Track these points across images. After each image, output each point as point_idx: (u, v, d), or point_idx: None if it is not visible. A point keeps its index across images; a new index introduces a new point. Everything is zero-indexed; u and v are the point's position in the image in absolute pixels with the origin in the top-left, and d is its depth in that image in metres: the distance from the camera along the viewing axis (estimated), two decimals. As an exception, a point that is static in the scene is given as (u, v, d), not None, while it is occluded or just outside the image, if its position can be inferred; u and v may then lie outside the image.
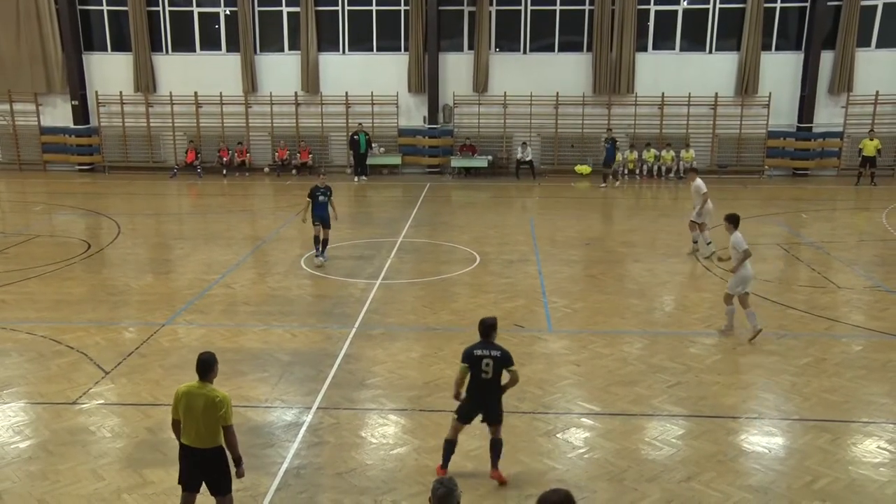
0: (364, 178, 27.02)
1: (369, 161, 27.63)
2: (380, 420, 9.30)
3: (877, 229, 19.34)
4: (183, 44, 28.48)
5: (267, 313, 13.08)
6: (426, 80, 27.82)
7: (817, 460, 8.27)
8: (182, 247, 17.95)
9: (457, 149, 28.04)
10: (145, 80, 28.31)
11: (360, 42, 28.25)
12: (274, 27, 28.33)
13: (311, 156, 28.25)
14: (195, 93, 28.20)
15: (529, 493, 7.52)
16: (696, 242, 16.63)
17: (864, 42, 26.97)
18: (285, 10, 27.96)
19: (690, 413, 9.40)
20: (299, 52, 27.93)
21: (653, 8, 27.30)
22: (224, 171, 27.89)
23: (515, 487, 7.79)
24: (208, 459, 6.61)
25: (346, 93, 28.02)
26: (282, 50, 28.38)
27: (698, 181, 16.64)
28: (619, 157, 26.75)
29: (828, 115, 27.37)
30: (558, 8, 27.48)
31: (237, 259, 16.55)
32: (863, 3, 26.51)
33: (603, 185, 25.76)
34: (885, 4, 26.69)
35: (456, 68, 27.99)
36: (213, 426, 6.52)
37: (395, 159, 28.30)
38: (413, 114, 28.45)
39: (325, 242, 16.06)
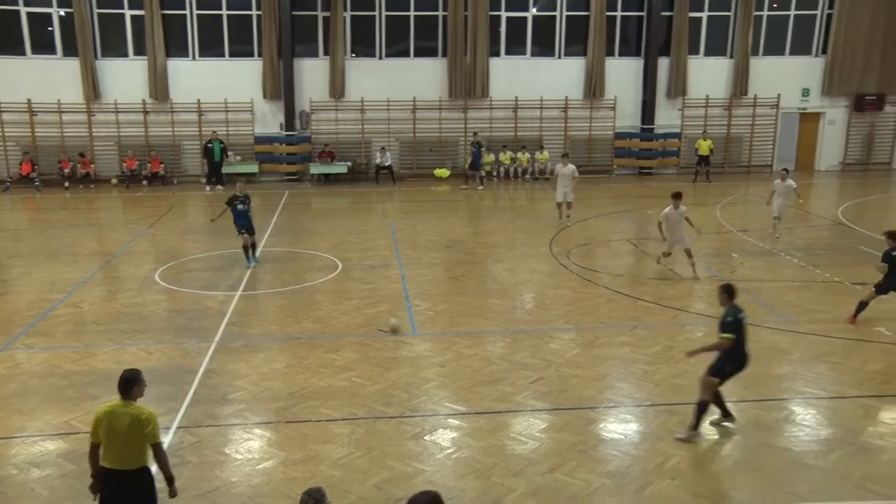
0: (220, 187, 26.23)
1: (225, 169, 26.86)
2: (244, 435, 9.05)
3: (713, 223, 20.73)
4: (9, 46, 26.49)
5: (119, 332, 12.45)
6: (282, 87, 27.37)
7: (668, 442, 8.77)
8: (20, 265, 16.75)
9: (315, 155, 27.75)
10: (-34, 87, 26.20)
11: (211, 47, 27.42)
12: (116, 31, 26.96)
13: (162, 165, 27.13)
14: (28, 100, 26.38)
15: (399, 497, 7.55)
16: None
17: (694, 50, 28.93)
18: (128, 13, 26.70)
19: (552, 407, 9.73)
20: (146, 57, 26.74)
21: (504, 14, 28.10)
22: (66, 184, 26.26)
23: (384, 492, 7.80)
24: (131, 481, 6.27)
25: (199, 100, 27.12)
26: (126, 55, 27.08)
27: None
28: (489, 158, 27.38)
29: (667, 117, 29.16)
30: (412, 14, 27.76)
31: (84, 276, 15.64)
32: (691, 15, 28.41)
33: (464, 186, 26.25)
34: (709, 17, 28.74)
35: (312, 74, 27.70)
36: (139, 445, 6.24)
37: (252, 167, 27.65)
38: (269, 121, 27.91)
39: (254, 246, 16.27)
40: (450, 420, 9.40)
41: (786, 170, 18.80)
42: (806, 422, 9.32)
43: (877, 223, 20.71)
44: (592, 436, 9.01)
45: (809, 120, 30.21)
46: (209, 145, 26.28)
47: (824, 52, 29.33)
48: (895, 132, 30.27)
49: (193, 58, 27.30)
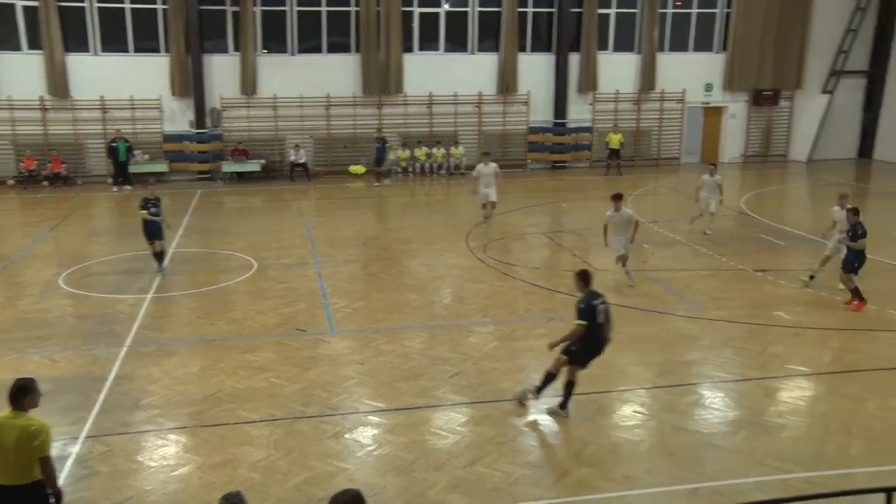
0: (128, 187, 25.32)
1: (132, 169, 25.96)
2: (158, 441, 8.80)
3: (625, 215, 21.23)
4: None
5: (20, 340, 11.90)
6: (191, 83, 26.63)
7: (584, 430, 8.98)
8: (-89, 273, 15.85)
9: (228, 153, 27.14)
10: None
11: (113, 42, 26.42)
12: (7, 23, 25.56)
13: (64, 165, 26.02)
14: None
15: (320, 497, 7.48)
16: None
17: (603, 46, 29.60)
18: (19, 3, 25.34)
19: (472, 400, 9.82)
20: (42, 51, 25.56)
21: (416, 10, 28.09)
22: (-42, 186, 24.93)
23: (305, 493, 7.72)
24: (22, 497, 5.91)
25: (102, 97, 26.12)
26: (19, 48, 25.79)
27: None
28: (392, 155, 27.32)
29: (578, 111, 29.74)
30: (324, 9, 27.44)
31: (-19, 282, 14.90)
32: (599, 11, 29.05)
33: (376, 184, 26.19)
34: (617, 13, 29.47)
35: (222, 70, 27.05)
36: (29, 459, 5.88)
37: (162, 166, 26.80)
38: (178, 118, 27.12)
39: (162, 254, 15.55)
40: (370, 417, 9.37)
41: (714, 164, 19.12)
42: (714, 405, 9.69)
43: (776, 213, 21.73)
44: (512, 427, 9.14)
45: (713, 114, 31.34)
46: (113, 144, 25.35)
47: (724, 48, 30.46)
48: (790, 125, 31.70)
49: (95, 52, 26.26)
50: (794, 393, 10.08)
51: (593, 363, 9.35)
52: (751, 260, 16.28)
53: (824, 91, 30.99)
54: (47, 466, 5.99)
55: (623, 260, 14.48)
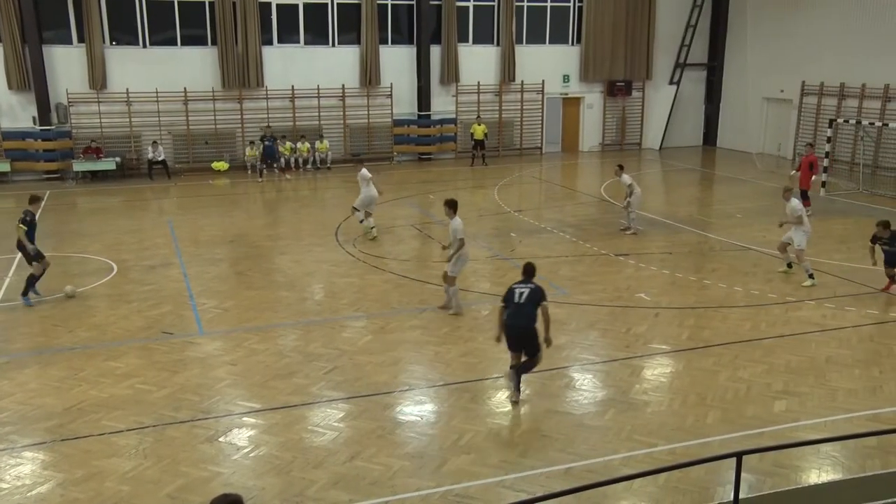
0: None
1: (-31, 169, 24.11)
2: (11, 461, 8.23)
3: (491, 204, 21.76)
4: None
5: None
6: (30, 76, 24.93)
7: (461, 419, 9.15)
8: None
9: (80, 152, 25.62)
10: None
11: (-59, 32, 24.37)
12: None
13: None
14: None
15: (196, 503, 7.27)
16: None
17: (463, 38, 30.04)
18: None
19: (349, 395, 9.78)
20: None
21: (274, 2, 27.49)
22: None
23: (179, 500, 7.46)
24: None
25: (-70, 91, 24.07)
26: None
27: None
28: (285, 148, 27.10)
29: (442, 103, 30.05)
30: (176, 0, 26.37)
31: None
32: (458, 4, 29.46)
33: (261, 179, 25.90)
34: (475, 6, 29.99)
35: (66, 63, 25.49)
36: None
37: (3, 166, 25.01)
38: (19, 114, 25.33)
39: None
40: (245, 418, 9.16)
41: (620, 166, 18.58)
42: (584, 386, 10.11)
43: (633, 198, 22.78)
44: (390, 420, 9.19)
45: (571, 104, 32.48)
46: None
47: (579, 41, 31.63)
48: (642, 115, 33.34)
49: (-80, 44, 24.15)
50: (657, 370, 10.67)
51: (459, 351, 9.50)
52: (612, 245, 17.04)
53: (671, 82, 32.78)
54: None
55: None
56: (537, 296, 9.34)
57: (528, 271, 9.73)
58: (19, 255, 14.10)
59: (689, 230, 18.25)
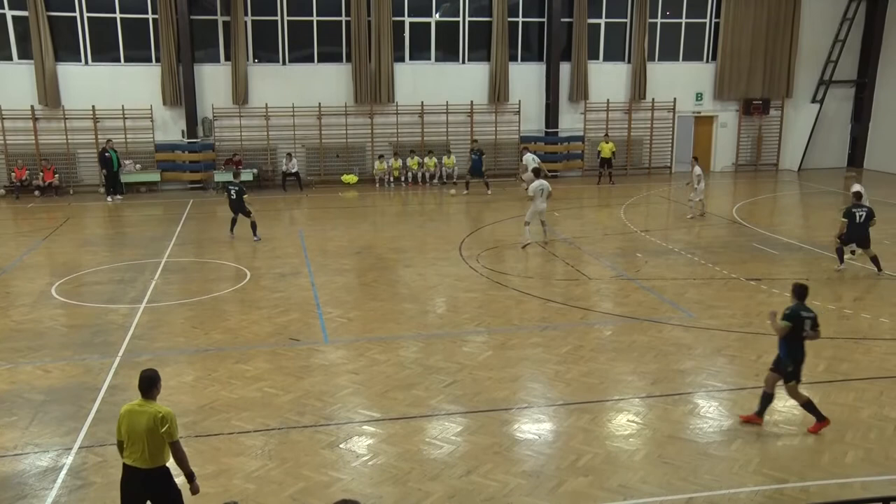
0: (119, 197, 25.28)
1: (125, 178, 25.92)
2: (151, 453, 8.74)
3: (617, 224, 21.35)
4: None
5: (12, 350, 11.83)
6: (182, 93, 26.63)
7: (580, 440, 8.97)
8: None
9: (221, 164, 27.08)
10: None
11: (104, 52, 26.36)
12: (-1, 32, 25.60)
13: (56, 175, 25.94)
14: None
15: (316, 507, 7.46)
16: None
17: (593, 55, 29.73)
18: (9, 13, 25.27)
19: (467, 409, 9.80)
20: (32, 61, 25.50)
21: (407, 20, 28.17)
22: (-52, 196, 24.76)
23: (300, 503, 7.68)
24: (154, 480, 6.46)
25: (93, 106, 26.07)
26: (10, 58, 25.73)
27: None
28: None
29: (570, 120, 29.84)
30: (315, 19, 27.49)
31: (-28, 293, 14.81)
32: (590, 21, 29.20)
33: (463, 192, 26.38)
34: (606, 23, 29.64)
35: (213, 80, 27.07)
36: (158, 445, 6.40)
37: (154, 176, 26.78)
38: (170, 128, 27.09)
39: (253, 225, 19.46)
40: (365, 427, 9.34)
41: (695, 158, 21.88)
42: (709, 414, 9.70)
43: (767, 221, 21.84)
44: (507, 437, 9.13)
45: (704, 123, 31.51)
46: (106, 154, 25.23)
47: (714, 58, 30.65)
48: (780, 135, 31.89)
49: (86, 62, 26.22)
50: (789, 402, 10.06)
51: (580, 371, 9.30)
52: (744, 268, 16.34)
53: (814, 101, 31.20)
54: (177, 450, 6.51)
55: None
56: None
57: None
58: (163, 259, 14.99)
59: (830, 256, 17.23)
